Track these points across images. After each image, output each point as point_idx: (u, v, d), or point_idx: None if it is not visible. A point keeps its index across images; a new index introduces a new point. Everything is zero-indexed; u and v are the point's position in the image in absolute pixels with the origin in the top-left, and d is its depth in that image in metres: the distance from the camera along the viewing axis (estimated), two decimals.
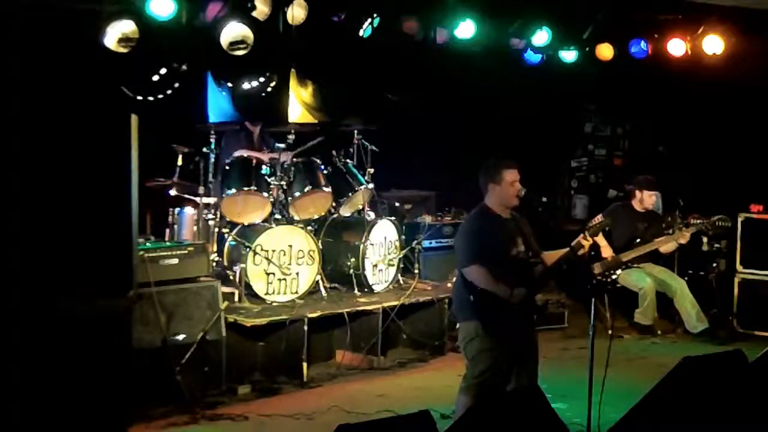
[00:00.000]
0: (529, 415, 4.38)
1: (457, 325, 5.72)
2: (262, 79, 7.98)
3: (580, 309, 9.02)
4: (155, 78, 7.14)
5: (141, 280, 6.29)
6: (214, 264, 7.41)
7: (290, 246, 7.61)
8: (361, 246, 7.98)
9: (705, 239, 8.95)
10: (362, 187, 8.28)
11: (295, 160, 8.02)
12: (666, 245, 8.78)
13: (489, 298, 5.39)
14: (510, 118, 10.02)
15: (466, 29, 8.20)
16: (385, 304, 7.67)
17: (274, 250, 7.52)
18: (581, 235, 5.54)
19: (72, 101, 5.85)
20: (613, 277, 8.72)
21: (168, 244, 7.12)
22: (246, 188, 7.66)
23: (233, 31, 6.93)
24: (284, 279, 7.58)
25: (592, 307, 5.45)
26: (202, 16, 7.06)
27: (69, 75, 5.92)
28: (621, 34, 8.96)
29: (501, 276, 5.39)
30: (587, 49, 8.88)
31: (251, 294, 7.45)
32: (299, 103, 9.35)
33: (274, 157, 7.93)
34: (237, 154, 7.92)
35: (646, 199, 8.92)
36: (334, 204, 8.24)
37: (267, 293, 7.50)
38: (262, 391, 6.93)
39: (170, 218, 7.65)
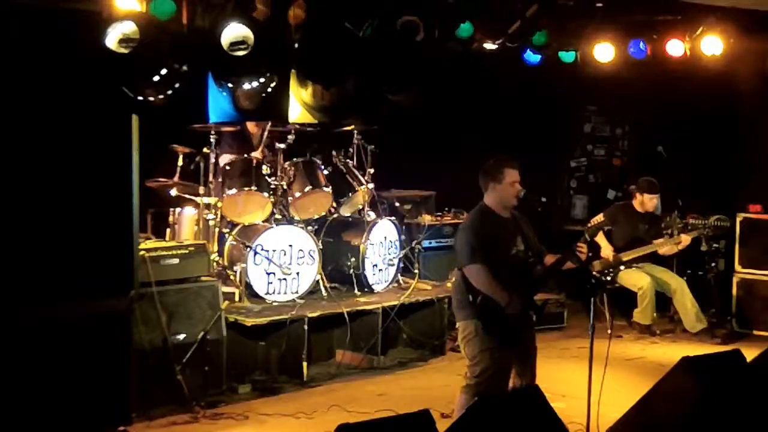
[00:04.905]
0: (529, 415, 4.40)
1: (457, 325, 5.74)
2: (262, 80, 7.98)
3: (580, 309, 9.06)
4: (156, 78, 7.15)
5: (142, 279, 6.31)
6: (215, 264, 7.43)
7: (290, 246, 7.64)
8: (361, 246, 8.01)
9: (704, 239, 8.98)
10: (362, 187, 8.30)
11: (295, 160, 8.04)
12: (665, 248, 8.81)
13: (488, 297, 5.41)
14: (510, 118, 10.04)
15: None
16: (385, 304, 7.69)
17: (274, 250, 7.54)
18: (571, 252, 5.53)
19: (73, 102, 5.88)
20: (609, 278, 8.76)
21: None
22: (246, 188, 7.68)
23: (233, 32, 6.95)
24: (284, 279, 7.60)
25: (592, 307, 5.47)
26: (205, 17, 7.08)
27: (70, 75, 5.94)
28: (620, 34, 8.97)
29: (500, 275, 5.41)
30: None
31: (252, 294, 7.47)
32: (299, 103, 9.35)
33: (273, 158, 7.97)
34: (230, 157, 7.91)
35: (647, 203, 8.95)
36: (334, 204, 8.26)
37: (267, 293, 7.53)
38: (263, 391, 6.96)
39: (171, 218, 7.67)
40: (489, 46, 8.40)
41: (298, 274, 7.67)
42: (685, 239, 8.68)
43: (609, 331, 5.97)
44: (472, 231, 5.56)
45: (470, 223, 5.66)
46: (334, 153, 8.44)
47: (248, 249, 7.41)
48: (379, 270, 8.20)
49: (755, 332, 8.80)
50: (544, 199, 5.69)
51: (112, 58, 6.47)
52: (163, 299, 6.50)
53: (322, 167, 8.18)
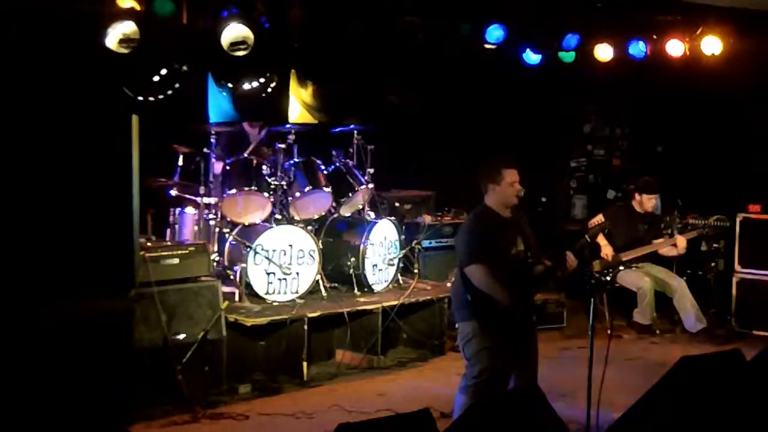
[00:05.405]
0: (529, 415, 4.40)
1: (456, 325, 5.74)
2: (262, 80, 8.00)
3: (579, 309, 9.05)
4: (156, 79, 7.16)
5: (142, 279, 6.32)
6: (215, 264, 7.43)
7: (290, 246, 7.64)
8: (361, 246, 8.01)
9: (704, 239, 8.98)
10: (362, 187, 8.31)
11: (295, 160, 8.05)
12: (665, 249, 8.81)
13: (487, 297, 5.41)
14: (510, 118, 10.05)
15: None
16: (385, 304, 7.69)
17: (274, 250, 7.55)
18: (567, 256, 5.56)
19: (73, 102, 5.88)
20: (609, 278, 8.76)
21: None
22: (246, 188, 7.69)
23: (234, 32, 6.96)
24: (284, 279, 7.61)
25: (591, 307, 5.47)
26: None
27: (70, 76, 5.94)
28: (620, 34, 8.98)
29: (500, 276, 5.41)
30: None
31: (252, 293, 7.47)
32: (299, 103, 9.38)
33: (274, 157, 7.99)
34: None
35: (646, 203, 8.95)
36: (334, 204, 8.27)
37: (267, 293, 7.53)
38: (263, 390, 6.96)
39: (171, 218, 7.67)
40: (489, 46, 8.43)
41: (298, 274, 7.67)
42: (680, 241, 8.66)
43: (609, 331, 5.98)
44: (472, 231, 5.57)
45: (470, 224, 5.67)
46: (334, 153, 8.45)
47: (248, 249, 7.42)
48: (379, 270, 8.20)
49: (755, 332, 8.79)
50: (544, 199, 5.69)
51: (112, 58, 6.48)
52: (163, 299, 6.50)
53: (322, 167, 8.18)
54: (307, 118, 9.36)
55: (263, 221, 7.79)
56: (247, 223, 7.76)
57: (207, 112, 8.52)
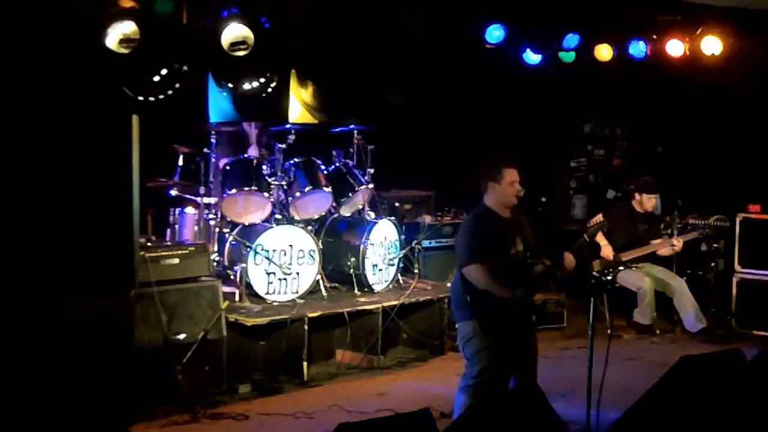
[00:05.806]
0: (529, 414, 4.40)
1: (456, 325, 5.74)
2: (262, 80, 8.00)
3: (580, 309, 9.05)
4: (156, 78, 7.16)
5: (142, 279, 6.32)
6: (215, 264, 7.44)
7: (291, 246, 7.64)
8: (361, 246, 8.01)
9: (704, 239, 8.99)
10: (362, 187, 8.31)
11: (295, 160, 8.06)
12: (664, 249, 8.81)
13: (486, 297, 5.41)
14: (510, 118, 10.04)
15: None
16: (385, 304, 7.69)
17: (274, 250, 7.55)
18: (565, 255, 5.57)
19: (73, 102, 5.88)
20: (609, 278, 8.75)
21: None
22: (246, 188, 7.69)
23: (234, 32, 6.96)
24: (285, 279, 7.61)
25: (592, 307, 5.47)
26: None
27: (70, 76, 5.94)
28: (620, 34, 8.98)
29: (500, 276, 5.41)
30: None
31: (252, 293, 7.47)
32: (299, 104, 9.37)
33: (274, 157, 7.99)
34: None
35: (646, 203, 8.95)
36: (334, 204, 8.27)
37: (267, 293, 7.53)
38: (263, 390, 6.96)
39: (171, 218, 7.68)
40: (489, 46, 8.44)
41: (298, 274, 7.67)
42: (678, 243, 8.66)
43: (609, 331, 5.98)
44: (472, 231, 5.57)
45: (470, 224, 5.67)
46: (334, 153, 8.46)
47: (248, 249, 7.42)
48: (379, 270, 8.21)
49: (755, 332, 8.80)
50: (544, 199, 5.69)
51: (112, 58, 6.48)
52: (163, 299, 6.51)
53: (323, 167, 8.19)
54: (307, 118, 9.35)
55: (263, 221, 7.79)
56: (247, 223, 7.76)
57: (207, 112, 8.51)
